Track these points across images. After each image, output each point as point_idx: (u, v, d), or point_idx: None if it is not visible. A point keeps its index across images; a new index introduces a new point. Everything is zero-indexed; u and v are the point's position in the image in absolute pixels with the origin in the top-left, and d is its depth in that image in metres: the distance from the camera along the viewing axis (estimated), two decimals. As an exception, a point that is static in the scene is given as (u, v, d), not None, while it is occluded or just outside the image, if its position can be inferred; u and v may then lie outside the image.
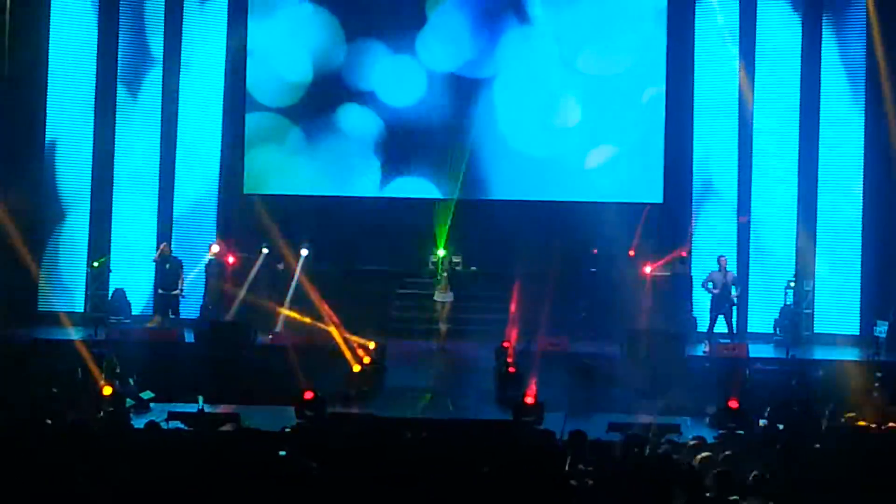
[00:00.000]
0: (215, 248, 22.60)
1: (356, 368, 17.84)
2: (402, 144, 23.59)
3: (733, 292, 21.04)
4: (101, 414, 14.02)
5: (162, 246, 22.17)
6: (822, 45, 22.41)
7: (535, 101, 23.32)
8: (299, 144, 23.67)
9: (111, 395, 15.00)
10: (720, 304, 21.06)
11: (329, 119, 23.59)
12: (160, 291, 21.92)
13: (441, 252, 22.38)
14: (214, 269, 22.63)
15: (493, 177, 23.56)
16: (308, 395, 14.02)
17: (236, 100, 23.59)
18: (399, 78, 23.50)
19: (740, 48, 22.73)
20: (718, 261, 21.24)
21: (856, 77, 22.32)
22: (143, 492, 9.29)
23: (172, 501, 9.23)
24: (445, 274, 21.84)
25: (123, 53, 23.29)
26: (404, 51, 23.47)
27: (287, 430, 12.54)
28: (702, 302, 21.96)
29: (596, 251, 22.42)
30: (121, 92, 23.27)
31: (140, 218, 23.37)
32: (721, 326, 21.11)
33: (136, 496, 9.25)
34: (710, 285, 21.08)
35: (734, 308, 21.21)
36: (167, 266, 21.84)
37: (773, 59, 22.73)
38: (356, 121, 23.58)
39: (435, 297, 21.73)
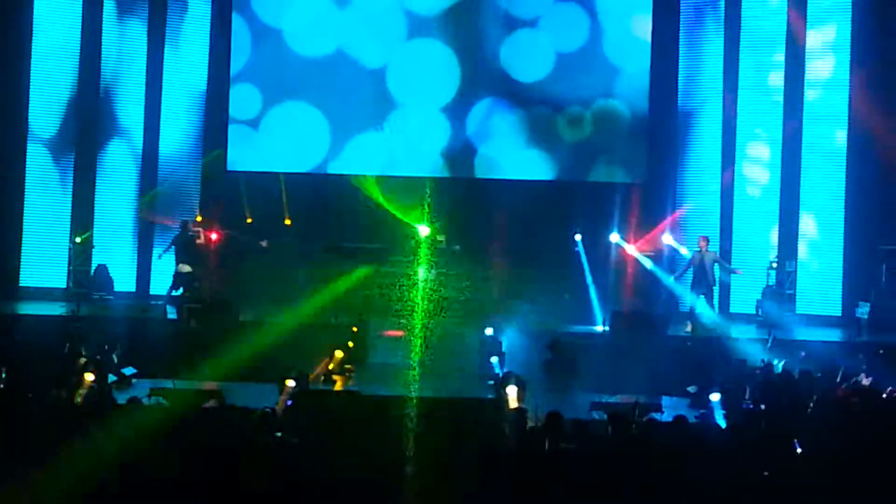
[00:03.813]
0: (198, 219, 22.61)
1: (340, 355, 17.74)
2: (387, 120, 23.57)
3: (716, 274, 21.11)
4: (83, 390, 13.98)
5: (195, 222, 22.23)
6: (806, 32, 22.44)
7: (523, 79, 23.34)
8: (283, 121, 23.64)
9: (93, 372, 14.92)
10: (699, 285, 21.10)
11: (314, 95, 23.52)
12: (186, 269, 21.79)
13: (425, 230, 22.36)
14: (198, 244, 22.59)
15: (478, 155, 23.54)
16: (289, 382, 13.96)
17: (220, 76, 23.52)
18: (383, 54, 23.51)
19: (725, 29, 22.84)
20: (698, 242, 21.29)
21: (841, 55, 22.35)
22: (125, 467, 9.30)
23: (154, 477, 9.24)
24: (430, 252, 21.84)
25: (108, 31, 23.15)
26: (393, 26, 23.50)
27: (270, 409, 12.51)
28: (684, 281, 22.02)
29: (579, 236, 22.40)
30: (105, 65, 23.13)
31: (123, 193, 23.30)
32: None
33: (118, 471, 9.26)
34: (690, 270, 21.16)
35: (713, 289, 21.25)
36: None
37: (756, 41, 22.79)
38: (341, 96, 23.52)
39: (419, 275, 21.72)
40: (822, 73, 22.36)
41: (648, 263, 22.03)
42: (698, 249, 21.11)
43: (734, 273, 21.60)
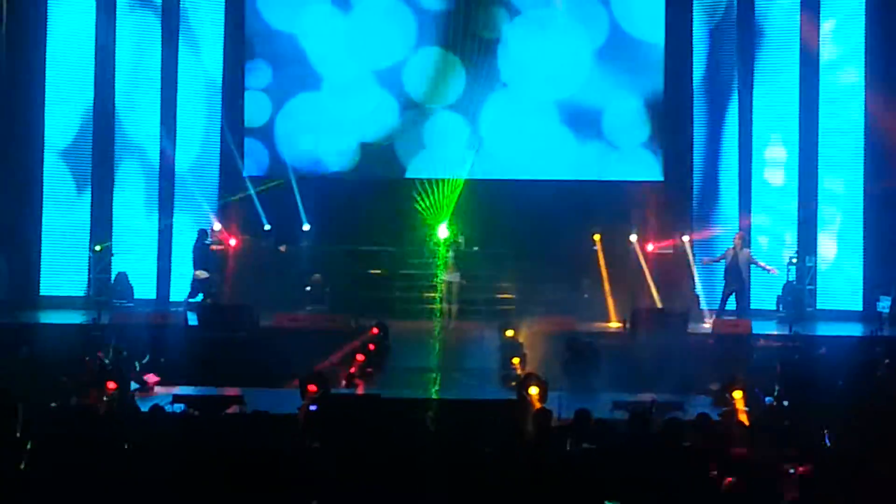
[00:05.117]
0: (216, 228, 22.63)
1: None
2: (406, 123, 23.57)
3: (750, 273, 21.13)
4: (105, 398, 14.02)
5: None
6: (820, 23, 22.38)
7: (537, 79, 23.28)
8: (298, 126, 23.66)
9: (115, 379, 14.95)
10: (731, 282, 21.09)
11: (331, 97, 23.54)
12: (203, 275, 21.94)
13: (445, 232, 22.38)
14: (217, 251, 22.64)
15: (495, 156, 23.51)
16: (312, 387, 13.97)
17: (235, 82, 23.56)
18: (393, 56, 23.51)
19: (738, 26, 22.82)
20: (734, 238, 21.31)
21: (856, 50, 22.27)
22: (148, 475, 9.31)
23: (178, 484, 9.25)
24: (451, 254, 21.84)
25: (122, 40, 23.21)
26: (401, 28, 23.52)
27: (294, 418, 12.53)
28: (704, 279, 22.02)
29: (598, 237, 22.36)
30: (120, 72, 23.20)
31: (141, 200, 23.34)
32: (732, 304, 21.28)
33: (141, 479, 9.27)
34: (722, 264, 21.21)
35: (745, 288, 21.24)
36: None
37: (772, 37, 22.74)
38: (355, 99, 23.53)
39: (442, 277, 21.73)
40: (837, 66, 22.37)
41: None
42: (732, 246, 21.11)
43: (770, 272, 21.50)
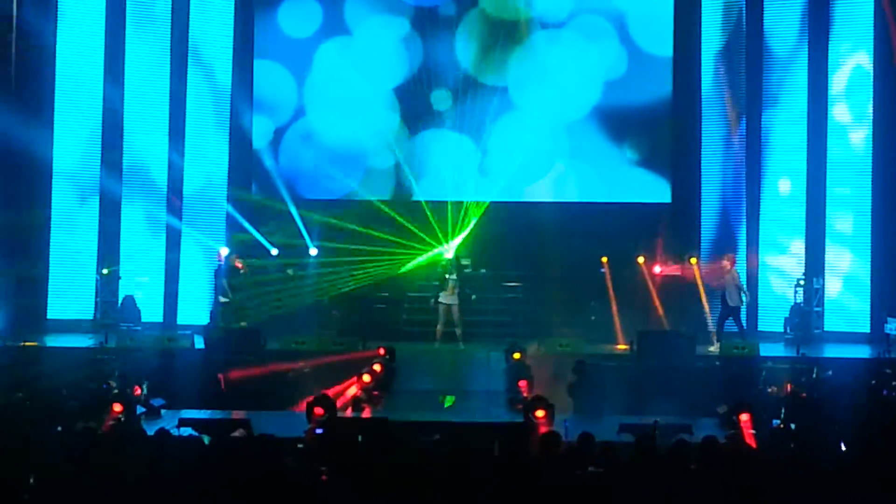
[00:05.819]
0: (224, 253, 22.62)
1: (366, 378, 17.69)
2: (413, 145, 23.58)
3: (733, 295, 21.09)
4: (112, 422, 14.01)
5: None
6: (829, 48, 22.39)
7: (546, 100, 23.28)
8: (308, 147, 23.68)
9: (121, 403, 14.94)
10: (725, 305, 21.09)
11: (337, 120, 23.57)
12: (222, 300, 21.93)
13: (449, 255, 22.37)
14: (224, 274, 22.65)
15: (503, 178, 23.50)
16: (318, 410, 13.97)
17: (244, 100, 23.60)
18: (399, 78, 23.55)
19: (747, 49, 22.82)
20: (723, 260, 21.34)
21: (864, 75, 22.27)
22: (154, 499, 9.30)
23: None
24: (455, 276, 21.77)
25: (129, 59, 23.29)
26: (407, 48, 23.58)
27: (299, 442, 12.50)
28: (712, 301, 21.99)
29: (606, 259, 22.36)
30: (129, 94, 23.26)
31: (149, 224, 23.36)
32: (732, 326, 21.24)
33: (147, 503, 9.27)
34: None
35: (740, 309, 21.21)
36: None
37: (780, 58, 22.76)
38: (370, 121, 23.57)
39: (440, 300, 21.61)
40: (846, 89, 22.36)
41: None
42: (722, 268, 21.13)
43: (744, 295, 21.48)
